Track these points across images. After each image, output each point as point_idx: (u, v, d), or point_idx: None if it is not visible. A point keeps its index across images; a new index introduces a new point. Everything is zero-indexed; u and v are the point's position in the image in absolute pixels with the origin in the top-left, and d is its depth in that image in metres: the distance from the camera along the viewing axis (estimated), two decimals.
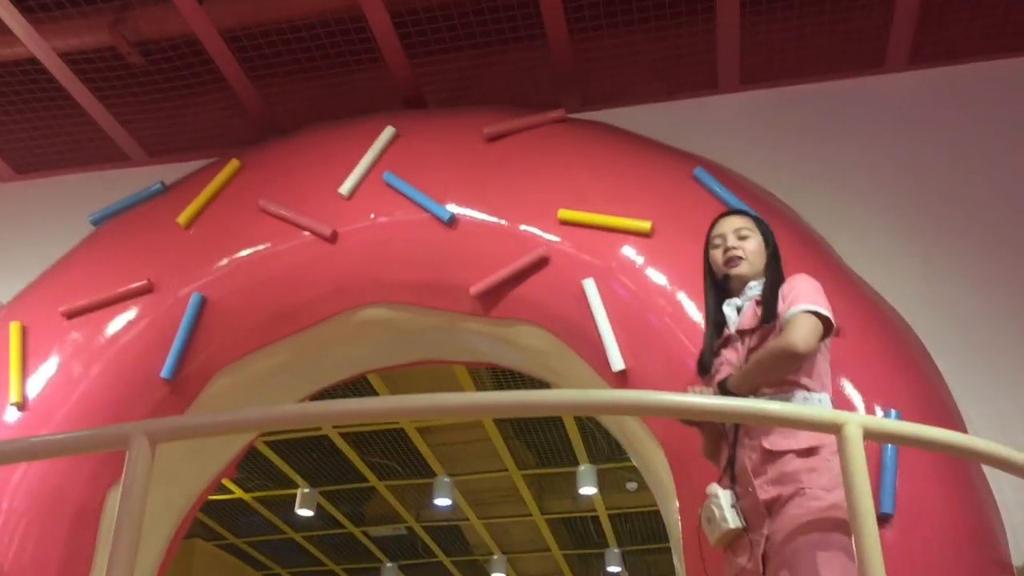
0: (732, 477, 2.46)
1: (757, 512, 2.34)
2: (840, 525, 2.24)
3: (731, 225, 2.74)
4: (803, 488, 2.29)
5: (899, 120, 4.00)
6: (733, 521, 2.36)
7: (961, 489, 3.00)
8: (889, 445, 2.91)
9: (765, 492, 2.34)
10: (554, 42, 4.05)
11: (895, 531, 2.85)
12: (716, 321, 2.70)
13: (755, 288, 2.65)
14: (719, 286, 2.75)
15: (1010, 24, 3.93)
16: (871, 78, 4.10)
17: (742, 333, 2.59)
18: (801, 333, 2.37)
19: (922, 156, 3.91)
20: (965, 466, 3.06)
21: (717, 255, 2.73)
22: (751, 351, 2.54)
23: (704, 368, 2.69)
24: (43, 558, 3.47)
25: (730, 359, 2.60)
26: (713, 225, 2.80)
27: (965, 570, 2.86)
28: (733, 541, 2.40)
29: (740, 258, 2.67)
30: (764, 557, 2.29)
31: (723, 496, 2.40)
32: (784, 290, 2.56)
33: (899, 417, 2.94)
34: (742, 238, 2.71)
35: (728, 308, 2.68)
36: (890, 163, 3.91)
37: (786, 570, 2.22)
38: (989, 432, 3.17)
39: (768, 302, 2.55)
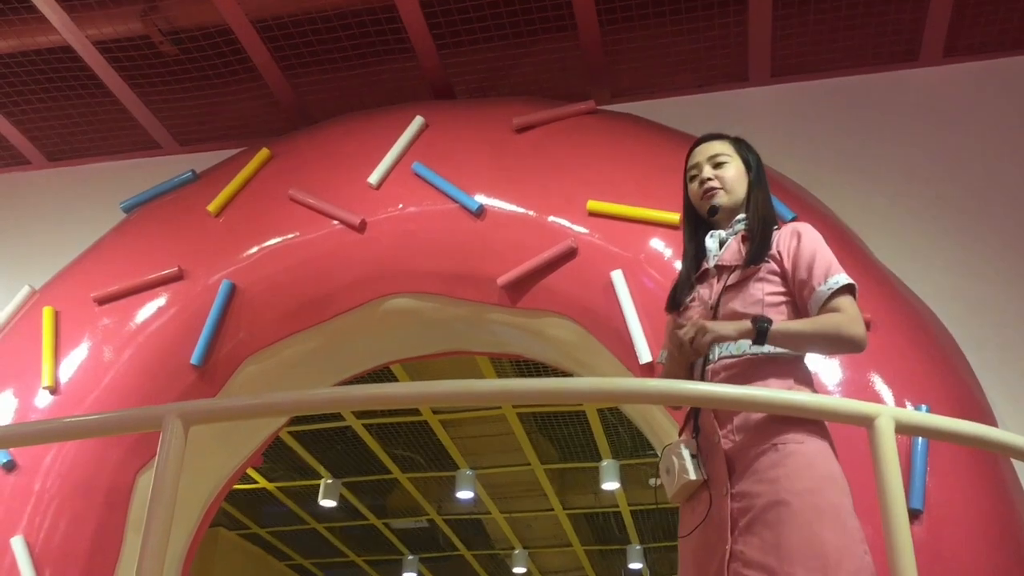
0: (696, 428, 2.26)
1: (720, 466, 2.16)
2: (828, 479, 2.10)
3: (706, 152, 2.48)
4: (776, 444, 2.12)
5: (932, 114, 3.96)
6: (693, 472, 2.18)
7: (991, 487, 2.97)
8: (920, 440, 2.89)
9: (729, 443, 2.17)
10: (584, 34, 4.04)
11: (924, 527, 2.83)
12: (695, 255, 2.46)
13: (743, 223, 2.42)
14: (703, 222, 2.49)
15: None
16: (905, 71, 4.07)
17: (720, 268, 2.37)
18: (863, 324, 2.22)
19: (955, 150, 3.87)
20: (995, 463, 3.03)
21: (694, 188, 2.47)
22: (727, 288, 2.32)
23: (675, 303, 2.45)
24: (73, 540, 3.51)
25: (703, 295, 2.39)
26: (689, 154, 2.54)
27: (994, 568, 2.84)
28: (693, 495, 2.22)
29: (717, 189, 2.43)
30: (732, 517, 2.11)
31: (683, 445, 2.22)
32: (791, 243, 2.32)
33: (929, 411, 2.91)
34: (718, 165, 2.45)
35: (711, 240, 2.44)
36: (922, 157, 3.88)
37: (769, 531, 2.04)
38: (1020, 428, 3.14)
39: (757, 242, 2.33)
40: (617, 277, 3.46)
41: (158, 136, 4.73)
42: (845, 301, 2.23)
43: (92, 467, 3.59)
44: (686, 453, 2.21)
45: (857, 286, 2.28)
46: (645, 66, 4.24)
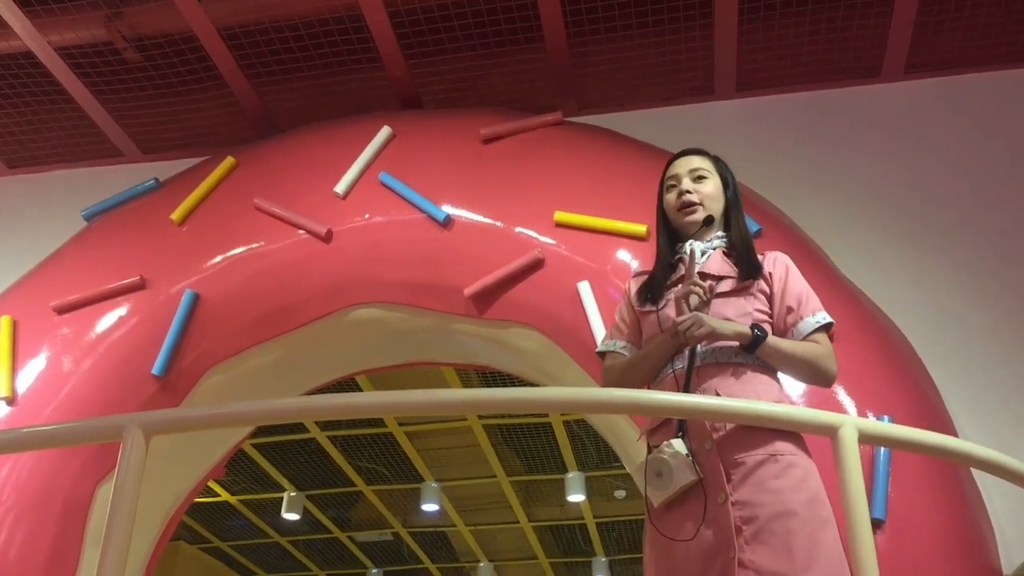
0: (680, 428, 2.24)
1: (715, 471, 2.16)
2: (821, 491, 2.18)
3: (687, 165, 2.53)
4: (774, 455, 2.16)
5: (894, 129, 4.02)
6: (692, 473, 2.15)
7: (952, 496, 3.01)
8: (882, 450, 2.92)
9: (721, 447, 2.18)
10: (552, 46, 4.06)
11: (886, 537, 2.86)
12: (670, 263, 2.50)
13: (721, 240, 2.48)
14: (674, 231, 2.54)
15: (1006, 36, 3.97)
16: (867, 87, 4.13)
17: (704, 276, 2.39)
18: (836, 364, 2.38)
19: (916, 165, 3.93)
20: (956, 473, 3.07)
21: (671, 199, 2.51)
22: (719, 295, 2.37)
23: (650, 297, 2.46)
24: (30, 553, 3.43)
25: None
26: (668, 165, 2.59)
27: None
28: (684, 499, 2.18)
29: (695, 203, 2.48)
30: (736, 526, 2.11)
31: (677, 445, 2.18)
32: (780, 271, 2.42)
33: (892, 422, 2.94)
34: (698, 179, 2.51)
35: (694, 245, 2.45)
36: (885, 171, 3.94)
37: (779, 540, 2.07)
38: (980, 440, 3.18)
39: (748, 261, 2.41)
40: (584, 288, 3.46)
41: (121, 144, 4.67)
42: (823, 337, 2.38)
43: (50, 479, 3.52)
44: (681, 455, 2.19)
45: (834, 325, 2.44)
46: (612, 79, 4.27)
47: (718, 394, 2.25)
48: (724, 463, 2.18)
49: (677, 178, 2.54)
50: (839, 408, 3.02)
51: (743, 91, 4.21)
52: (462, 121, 4.09)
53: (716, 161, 2.60)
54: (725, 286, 2.40)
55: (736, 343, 2.30)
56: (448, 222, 3.71)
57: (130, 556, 3.16)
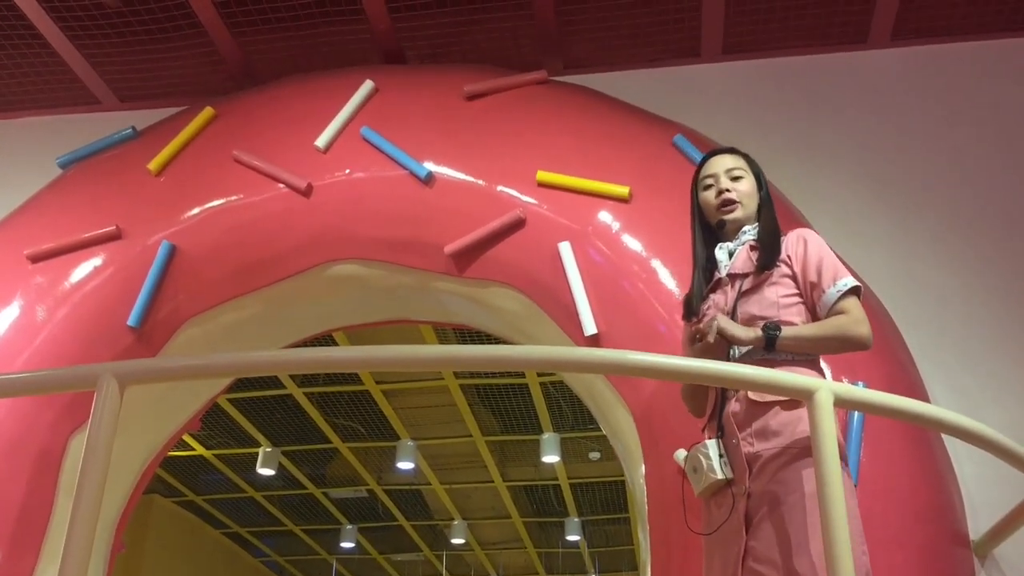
0: (719, 427, 2.40)
1: (741, 466, 2.29)
2: None
3: (723, 164, 2.61)
4: (788, 447, 2.25)
5: (878, 97, 4.02)
6: (720, 472, 2.30)
7: (923, 462, 3.05)
8: (856, 415, 2.95)
9: (748, 446, 2.30)
10: (538, 4, 4.01)
11: (857, 500, 2.89)
12: (706, 265, 2.59)
13: (749, 233, 2.55)
14: (708, 228, 2.63)
15: (991, 5, 3.96)
16: (853, 53, 4.11)
17: (733, 277, 2.50)
18: (868, 324, 2.35)
19: (899, 133, 3.94)
20: (928, 440, 3.11)
21: (709, 197, 2.59)
22: (743, 294, 2.45)
23: (692, 311, 2.58)
24: (2, 502, 3.41)
25: (718, 303, 2.51)
26: (703, 164, 2.67)
27: (924, 542, 2.92)
28: (716, 493, 2.35)
29: (735, 202, 2.55)
30: (746, 514, 2.25)
31: (711, 445, 2.34)
32: (799, 249, 2.46)
33: (866, 388, 2.97)
34: (735, 179, 2.59)
35: (720, 252, 2.57)
36: (867, 139, 3.94)
37: (777, 528, 2.18)
38: (952, 407, 3.21)
39: (767, 249, 2.46)
40: (565, 249, 3.45)
41: (97, 91, 4.58)
42: (850, 303, 2.38)
43: (23, 428, 3.49)
44: (714, 453, 2.33)
45: (861, 287, 2.43)
46: (598, 38, 4.23)
47: (747, 399, 2.34)
48: (748, 458, 2.30)
49: (715, 177, 2.60)
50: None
51: (729, 54, 4.18)
52: (446, 77, 4.04)
53: (748, 159, 2.66)
54: (747, 283, 2.46)
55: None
56: (430, 179, 3.68)
57: (103, 507, 3.16)
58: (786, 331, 2.33)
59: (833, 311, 2.37)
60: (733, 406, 2.37)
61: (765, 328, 2.33)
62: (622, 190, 3.50)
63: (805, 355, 2.39)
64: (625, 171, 3.58)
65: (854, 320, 2.35)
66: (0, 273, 3.84)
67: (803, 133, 3.98)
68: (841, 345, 2.37)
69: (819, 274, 2.41)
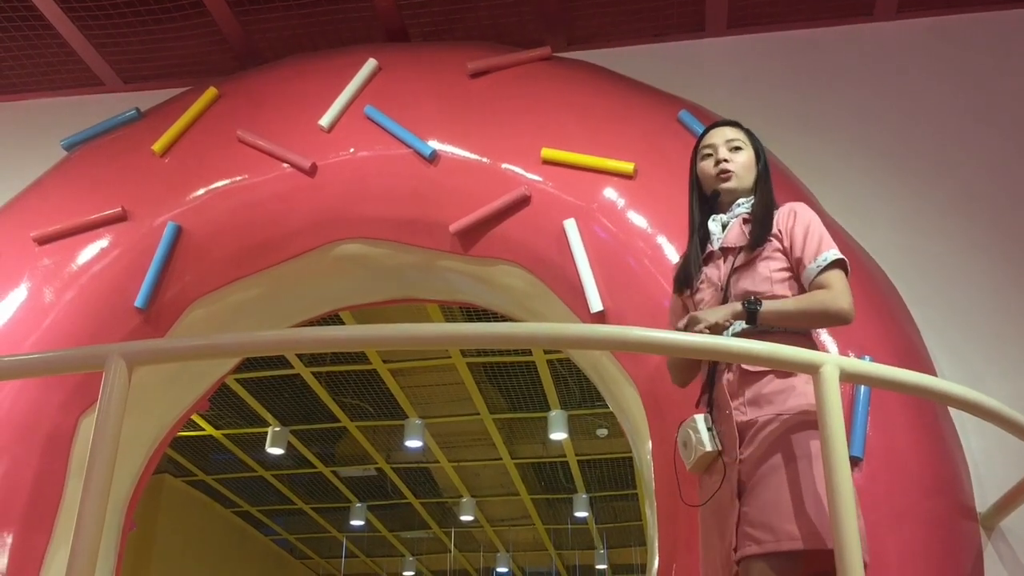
0: (710, 401, 2.41)
1: (732, 436, 2.30)
2: (819, 455, 2.22)
3: (723, 136, 2.62)
4: (780, 414, 2.27)
5: (884, 70, 3.99)
6: (709, 444, 2.32)
7: (930, 436, 3.05)
8: (862, 390, 2.95)
9: (741, 414, 2.31)
10: None
11: (863, 475, 2.89)
12: (701, 236, 2.58)
13: (744, 206, 2.56)
14: (705, 199, 2.63)
15: None
16: (859, 26, 4.08)
17: (725, 251, 2.50)
18: (849, 298, 2.33)
19: (905, 107, 3.91)
20: (934, 414, 3.10)
21: (707, 166, 2.60)
22: (735, 270, 2.45)
23: (685, 282, 2.58)
24: (12, 485, 3.44)
25: (711, 276, 2.51)
26: (704, 134, 2.68)
27: (930, 516, 2.92)
28: (709, 465, 2.36)
29: (731, 171, 2.56)
30: (739, 482, 2.26)
31: (699, 419, 2.36)
32: (789, 222, 2.46)
33: (873, 362, 2.96)
34: (734, 149, 2.60)
35: (713, 224, 2.57)
36: (874, 112, 3.91)
37: (771, 492, 2.20)
38: (959, 380, 3.20)
39: (760, 224, 2.47)
40: (570, 226, 3.45)
41: (101, 72, 4.57)
42: (833, 276, 2.37)
43: (33, 410, 3.51)
44: (702, 426, 2.35)
45: (846, 260, 2.41)
46: (602, 14, 4.20)
47: (739, 368, 2.35)
48: (740, 427, 2.30)
49: (714, 147, 2.61)
50: (822, 347, 3.04)
51: (734, 28, 4.15)
52: (449, 55, 4.02)
53: (749, 133, 2.67)
54: (740, 259, 2.46)
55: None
56: (434, 157, 3.67)
57: (113, 488, 3.18)
58: (767, 305, 2.32)
59: (815, 284, 2.37)
60: (725, 376, 2.37)
61: (746, 303, 2.32)
62: (627, 166, 3.49)
63: (794, 329, 2.39)
64: (630, 147, 3.57)
65: (833, 294, 2.34)
66: (7, 256, 3.85)
67: (809, 107, 3.95)
68: (820, 320, 2.38)
69: (803, 249, 2.42)
